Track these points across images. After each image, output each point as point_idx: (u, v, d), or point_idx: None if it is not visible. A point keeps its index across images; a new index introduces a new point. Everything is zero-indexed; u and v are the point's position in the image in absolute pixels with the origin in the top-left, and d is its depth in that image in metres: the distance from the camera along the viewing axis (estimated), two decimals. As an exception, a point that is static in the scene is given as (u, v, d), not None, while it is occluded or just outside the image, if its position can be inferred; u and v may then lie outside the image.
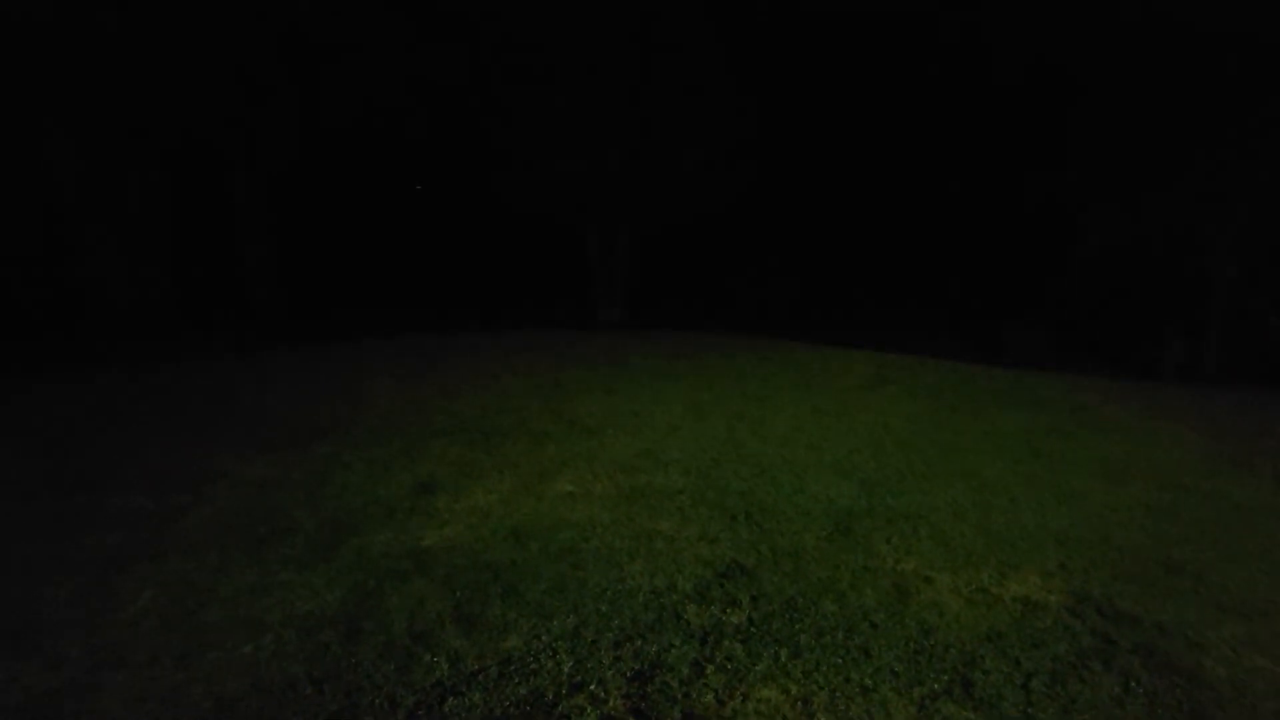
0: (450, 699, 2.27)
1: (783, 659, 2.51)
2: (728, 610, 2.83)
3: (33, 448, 4.94)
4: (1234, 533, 3.85)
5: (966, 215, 15.14)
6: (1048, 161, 12.32)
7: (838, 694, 2.32)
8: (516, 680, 2.35)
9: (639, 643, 2.59)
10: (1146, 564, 3.41)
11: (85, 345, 9.88)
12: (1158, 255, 11.55)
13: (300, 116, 12.71)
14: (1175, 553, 3.55)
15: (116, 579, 3.03)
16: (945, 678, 2.44)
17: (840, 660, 2.51)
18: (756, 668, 2.45)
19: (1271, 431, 6.32)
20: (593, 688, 2.32)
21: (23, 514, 3.77)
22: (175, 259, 12.35)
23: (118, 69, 10.26)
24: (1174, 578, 3.27)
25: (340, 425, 5.53)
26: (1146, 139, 11.03)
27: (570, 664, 2.45)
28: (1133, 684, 2.44)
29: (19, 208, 10.86)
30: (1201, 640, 2.74)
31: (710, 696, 2.29)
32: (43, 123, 10.49)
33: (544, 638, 2.60)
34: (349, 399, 6.48)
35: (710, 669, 2.44)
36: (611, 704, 2.25)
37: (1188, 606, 3.01)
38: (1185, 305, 11.81)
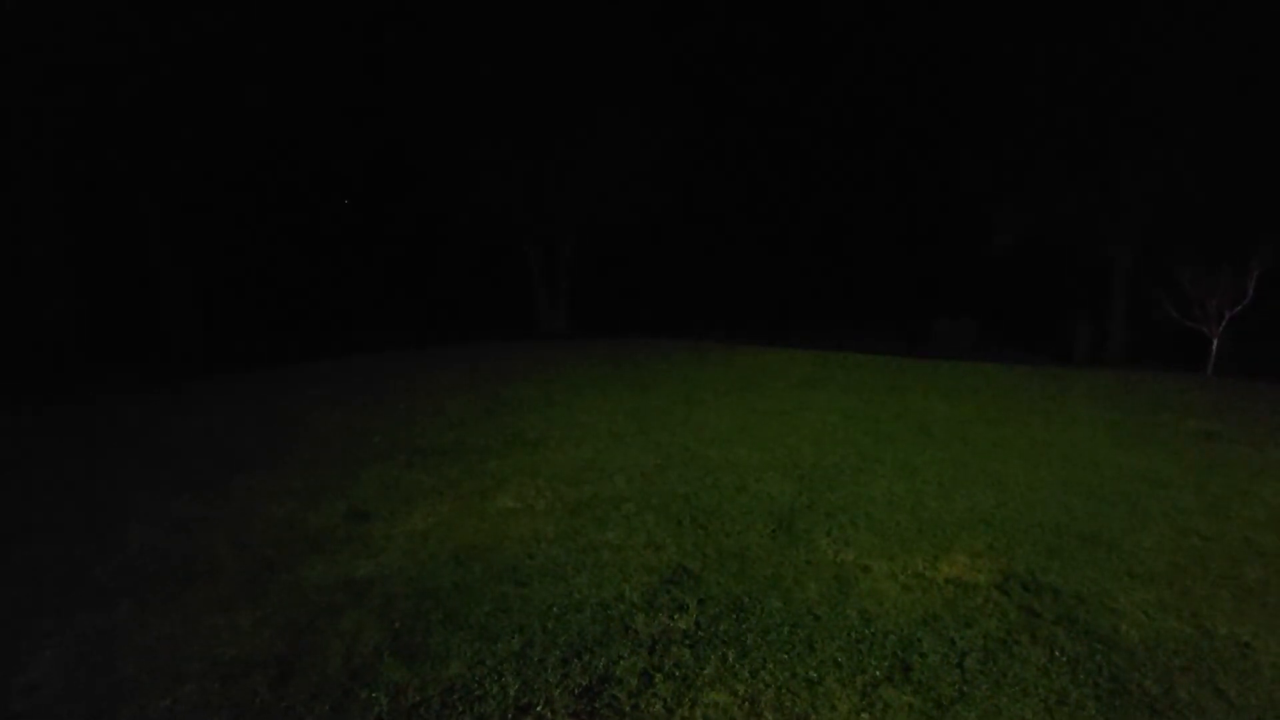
0: (390, 735, 2.18)
1: (730, 660, 2.52)
2: (675, 616, 2.83)
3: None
4: (1140, 501, 4.13)
5: (893, 216, 15.86)
6: (961, 164, 13.04)
7: (784, 690, 2.35)
8: (460, 709, 2.28)
9: (587, 657, 2.55)
10: (1065, 537, 3.61)
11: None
12: (1060, 247, 12.40)
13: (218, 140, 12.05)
14: (1090, 525, 3.78)
15: (12, 641, 2.78)
16: (886, 664, 2.51)
17: (786, 656, 2.55)
18: (704, 672, 2.46)
19: (1167, 406, 6.83)
20: (539, 709, 2.27)
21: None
22: (83, 288, 11.50)
23: None
24: (1090, 548, 3.48)
25: (266, 454, 5.26)
26: (1049, 142, 11.84)
27: (516, 686, 2.39)
28: (1056, 653, 2.57)
29: None
30: (1116, 606, 2.92)
31: (659, 706, 2.28)
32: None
33: (489, 662, 2.54)
34: (275, 426, 6.17)
35: (659, 678, 2.43)
36: (559, 723, 2.21)
37: (1104, 575, 3.20)
38: (1089, 293, 12.69)
